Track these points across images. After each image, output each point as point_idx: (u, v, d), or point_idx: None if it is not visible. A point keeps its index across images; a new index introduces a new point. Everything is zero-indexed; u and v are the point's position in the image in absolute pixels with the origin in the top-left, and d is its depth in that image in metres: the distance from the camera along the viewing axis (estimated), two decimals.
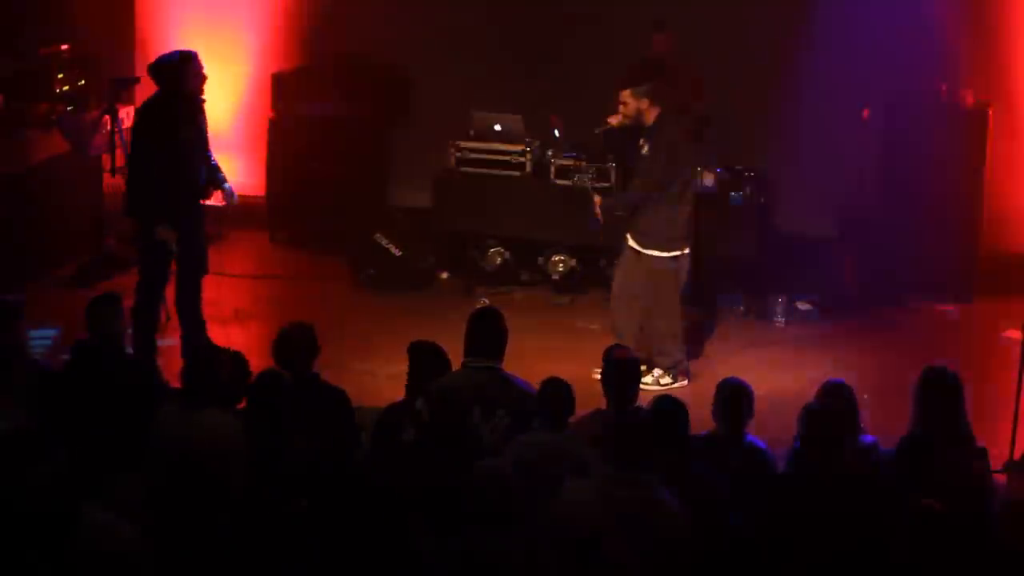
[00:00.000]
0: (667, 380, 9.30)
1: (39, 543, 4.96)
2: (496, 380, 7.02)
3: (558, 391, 6.58)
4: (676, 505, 5.80)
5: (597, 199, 9.56)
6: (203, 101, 8.90)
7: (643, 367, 8.24)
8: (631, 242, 9.33)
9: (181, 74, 8.73)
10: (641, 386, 7.24)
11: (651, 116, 9.16)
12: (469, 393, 6.79)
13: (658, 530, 5.69)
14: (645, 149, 9.23)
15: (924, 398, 6.69)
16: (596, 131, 10.20)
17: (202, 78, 8.83)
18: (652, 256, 9.24)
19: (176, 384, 7.27)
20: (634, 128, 9.33)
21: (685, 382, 9.32)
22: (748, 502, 6.21)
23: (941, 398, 6.66)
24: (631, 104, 9.18)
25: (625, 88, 9.24)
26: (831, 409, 6.50)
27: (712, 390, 6.80)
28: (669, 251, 9.22)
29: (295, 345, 7.10)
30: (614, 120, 9.47)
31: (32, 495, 4.95)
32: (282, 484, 6.39)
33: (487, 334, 7.16)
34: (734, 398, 6.67)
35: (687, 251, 9.27)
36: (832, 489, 6.14)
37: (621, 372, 6.99)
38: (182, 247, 8.80)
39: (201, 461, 6.22)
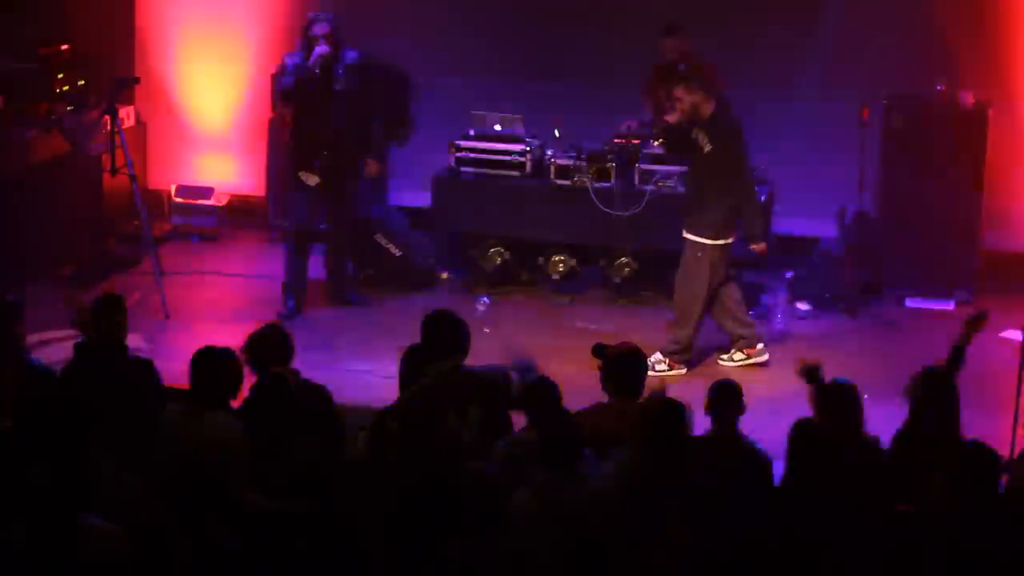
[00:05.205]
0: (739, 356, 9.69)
1: (34, 545, 4.94)
2: (462, 376, 6.95)
3: (547, 391, 6.60)
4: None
5: (758, 247, 9.65)
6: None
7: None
8: (687, 235, 9.49)
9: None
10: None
11: (707, 109, 9.24)
12: (439, 396, 6.73)
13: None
14: (705, 143, 9.27)
15: (916, 398, 6.72)
16: (654, 139, 10.36)
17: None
18: (697, 243, 9.41)
19: (176, 384, 7.27)
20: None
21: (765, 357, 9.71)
22: (743, 504, 6.21)
23: (933, 399, 6.68)
24: (686, 99, 9.24)
25: (675, 86, 9.32)
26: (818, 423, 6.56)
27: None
28: (715, 239, 9.40)
29: (264, 347, 7.04)
30: (672, 118, 9.49)
31: (26, 497, 4.94)
32: (282, 484, 6.40)
33: (443, 333, 7.11)
34: (722, 395, 6.68)
35: (731, 241, 9.48)
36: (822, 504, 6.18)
37: (622, 364, 7.00)
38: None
39: (204, 461, 6.23)
